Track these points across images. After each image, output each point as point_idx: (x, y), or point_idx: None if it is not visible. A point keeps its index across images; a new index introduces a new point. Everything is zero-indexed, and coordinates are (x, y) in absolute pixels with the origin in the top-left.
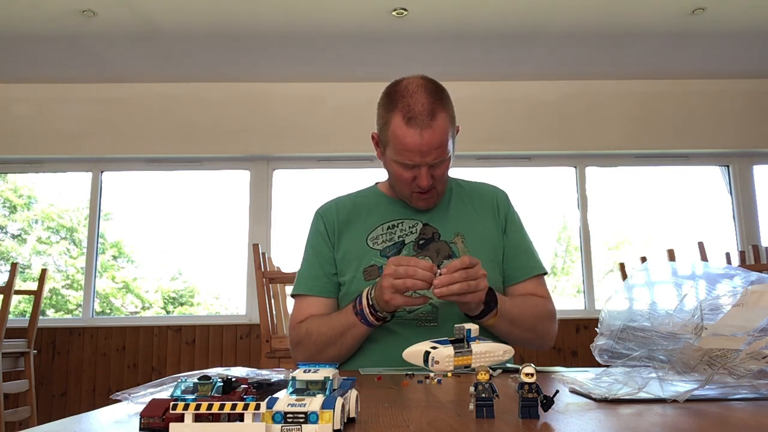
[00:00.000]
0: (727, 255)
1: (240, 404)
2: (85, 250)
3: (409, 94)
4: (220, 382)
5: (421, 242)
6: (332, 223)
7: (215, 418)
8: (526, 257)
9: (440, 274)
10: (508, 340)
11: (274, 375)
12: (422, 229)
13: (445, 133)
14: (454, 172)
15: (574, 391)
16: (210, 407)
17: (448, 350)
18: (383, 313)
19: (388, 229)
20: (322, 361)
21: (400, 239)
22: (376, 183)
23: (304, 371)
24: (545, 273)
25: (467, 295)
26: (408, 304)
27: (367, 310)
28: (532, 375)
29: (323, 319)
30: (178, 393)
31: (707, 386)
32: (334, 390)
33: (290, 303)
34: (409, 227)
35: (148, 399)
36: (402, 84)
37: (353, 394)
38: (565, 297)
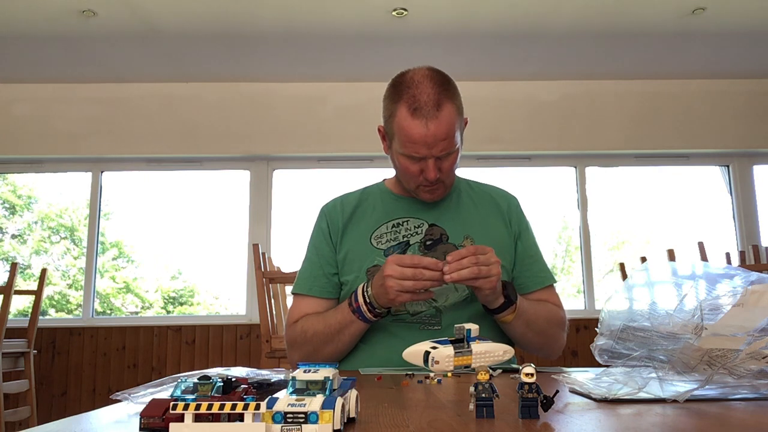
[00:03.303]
0: (727, 255)
1: (240, 404)
2: (85, 250)
3: (414, 84)
4: (220, 382)
5: (428, 243)
6: (336, 222)
7: (215, 418)
8: (539, 267)
9: (447, 263)
10: (522, 343)
11: (274, 375)
12: (428, 229)
13: (451, 124)
14: (459, 172)
15: (574, 391)
16: (210, 407)
17: (448, 350)
18: (381, 309)
19: (392, 227)
20: (319, 359)
21: (405, 239)
22: (384, 180)
23: (304, 371)
24: (556, 282)
25: (479, 280)
26: (415, 299)
27: (364, 308)
28: (532, 375)
29: (318, 317)
30: (178, 393)
31: (707, 386)
32: (334, 390)
33: (290, 303)
34: (415, 227)
35: (148, 399)
36: (408, 75)
37: (353, 394)
38: (565, 297)
